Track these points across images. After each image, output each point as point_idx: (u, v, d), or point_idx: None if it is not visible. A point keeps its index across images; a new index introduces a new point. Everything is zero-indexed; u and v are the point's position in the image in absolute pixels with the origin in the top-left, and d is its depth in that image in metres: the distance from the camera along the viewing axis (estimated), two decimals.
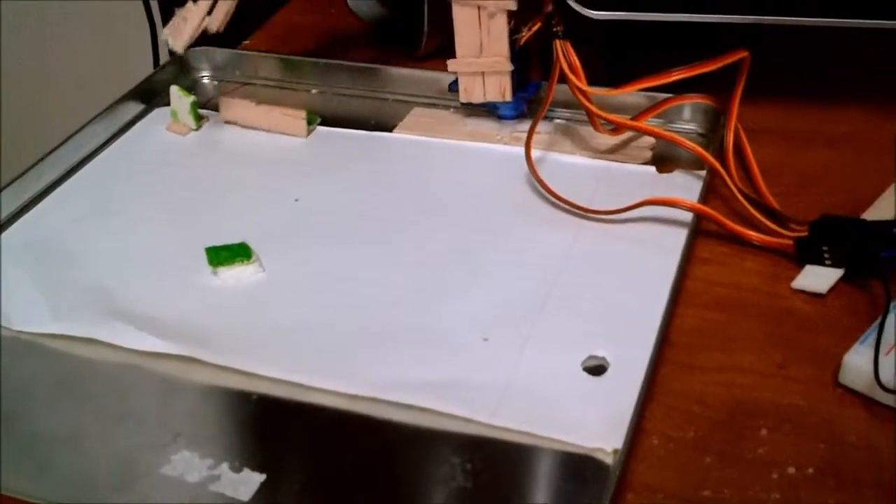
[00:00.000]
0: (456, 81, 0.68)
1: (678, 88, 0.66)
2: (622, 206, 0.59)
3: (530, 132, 0.64)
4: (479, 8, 0.63)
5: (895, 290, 0.51)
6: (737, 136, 0.64)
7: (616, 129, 0.66)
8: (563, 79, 0.63)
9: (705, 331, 0.53)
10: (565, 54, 0.63)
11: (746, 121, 0.65)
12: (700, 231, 0.59)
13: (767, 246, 0.57)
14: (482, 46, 0.65)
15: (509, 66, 0.65)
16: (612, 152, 0.66)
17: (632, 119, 0.65)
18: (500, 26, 0.64)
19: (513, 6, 0.63)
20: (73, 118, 0.71)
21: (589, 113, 0.64)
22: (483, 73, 0.66)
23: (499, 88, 0.67)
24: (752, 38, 0.63)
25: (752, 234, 0.58)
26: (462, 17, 0.64)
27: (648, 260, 0.56)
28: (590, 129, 0.68)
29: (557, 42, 0.63)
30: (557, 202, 0.61)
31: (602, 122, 0.65)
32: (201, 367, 0.52)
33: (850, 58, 0.75)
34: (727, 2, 0.64)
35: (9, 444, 0.48)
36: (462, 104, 0.68)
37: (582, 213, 0.60)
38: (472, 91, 0.67)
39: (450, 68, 0.66)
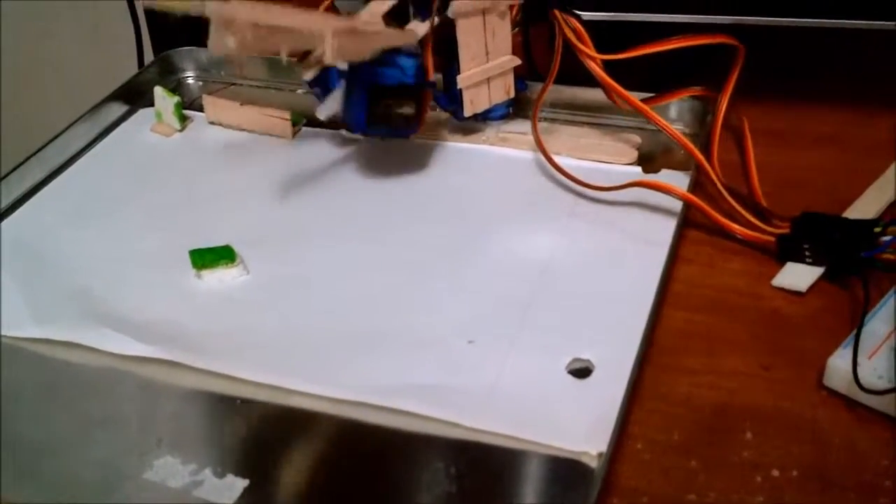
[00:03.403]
0: (442, 97, 0.67)
1: (673, 71, 0.66)
2: (612, 192, 0.60)
3: (539, 98, 0.64)
4: (483, 13, 0.61)
5: (874, 290, 0.51)
6: (740, 132, 0.64)
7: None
8: (568, 49, 0.61)
9: (690, 333, 0.53)
10: (567, 23, 0.61)
11: (732, 120, 0.65)
12: (685, 232, 0.59)
13: (750, 241, 0.57)
14: (488, 51, 0.63)
15: (518, 60, 0.65)
16: (597, 152, 0.66)
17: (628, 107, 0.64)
18: (506, 24, 0.63)
19: None
20: (57, 119, 0.71)
21: (603, 84, 0.62)
22: (489, 79, 0.65)
23: (504, 88, 0.66)
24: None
25: (736, 228, 0.58)
26: (467, 29, 0.62)
27: (634, 262, 0.56)
28: (575, 129, 0.68)
29: (557, 13, 0.61)
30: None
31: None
32: (184, 371, 0.51)
33: (835, 59, 0.75)
34: (715, 3, 0.64)
35: None
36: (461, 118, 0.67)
37: (578, 185, 0.62)
38: (478, 101, 0.65)
39: (461, 86, 0.64)
